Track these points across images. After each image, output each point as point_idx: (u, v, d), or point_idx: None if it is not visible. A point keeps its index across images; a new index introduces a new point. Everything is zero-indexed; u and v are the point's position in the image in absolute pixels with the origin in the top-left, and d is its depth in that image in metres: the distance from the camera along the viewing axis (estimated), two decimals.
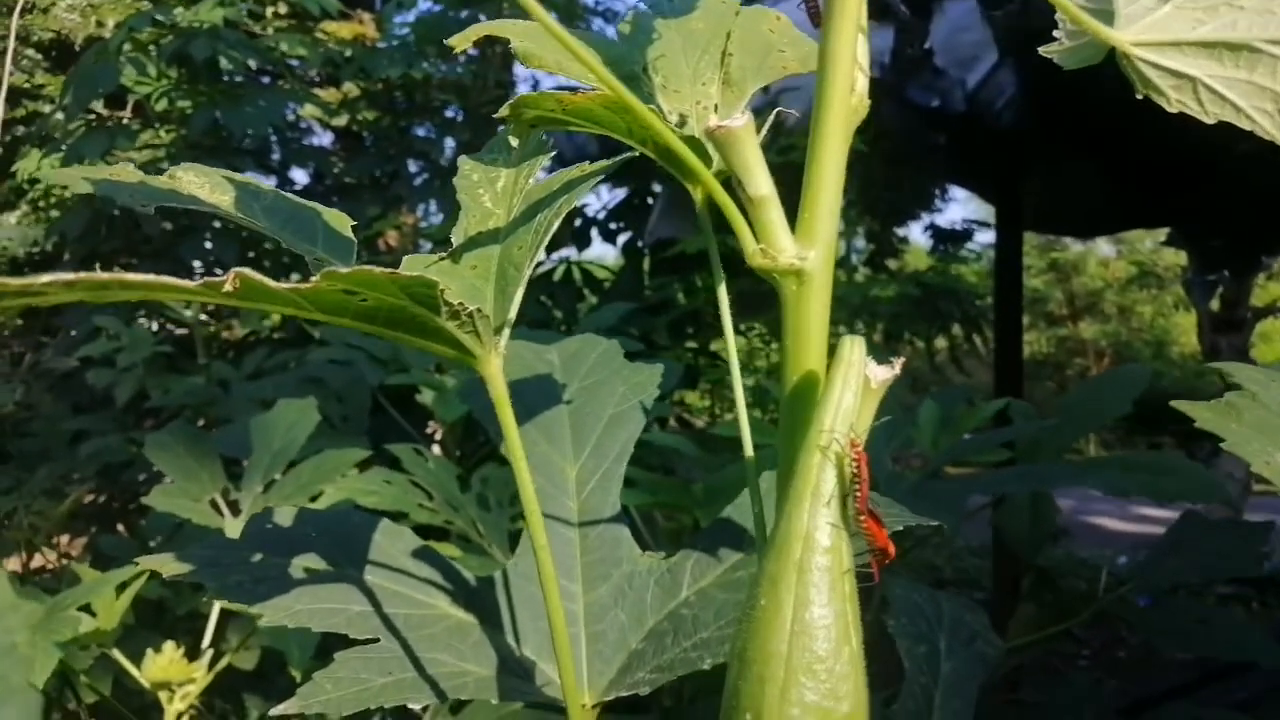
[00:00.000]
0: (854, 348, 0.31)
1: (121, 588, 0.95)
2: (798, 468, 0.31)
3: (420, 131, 3.60)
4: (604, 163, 0.41)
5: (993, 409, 1.20)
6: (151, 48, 2.91)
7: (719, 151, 0.33)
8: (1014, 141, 2.44)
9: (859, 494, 0.30)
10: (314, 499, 1.01)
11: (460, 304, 0.32)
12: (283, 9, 4.09)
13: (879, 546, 0.31)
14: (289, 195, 0.40)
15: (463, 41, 0.41)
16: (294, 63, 3.76)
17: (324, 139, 4.20)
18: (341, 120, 3.87)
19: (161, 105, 3.07)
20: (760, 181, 0.32)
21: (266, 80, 3.64)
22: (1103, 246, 12.27)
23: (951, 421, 1.20)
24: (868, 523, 0.31)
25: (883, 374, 0.31)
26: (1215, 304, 4.96)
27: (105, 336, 2.45)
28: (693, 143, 0.38)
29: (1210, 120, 0.34)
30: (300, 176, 3.81)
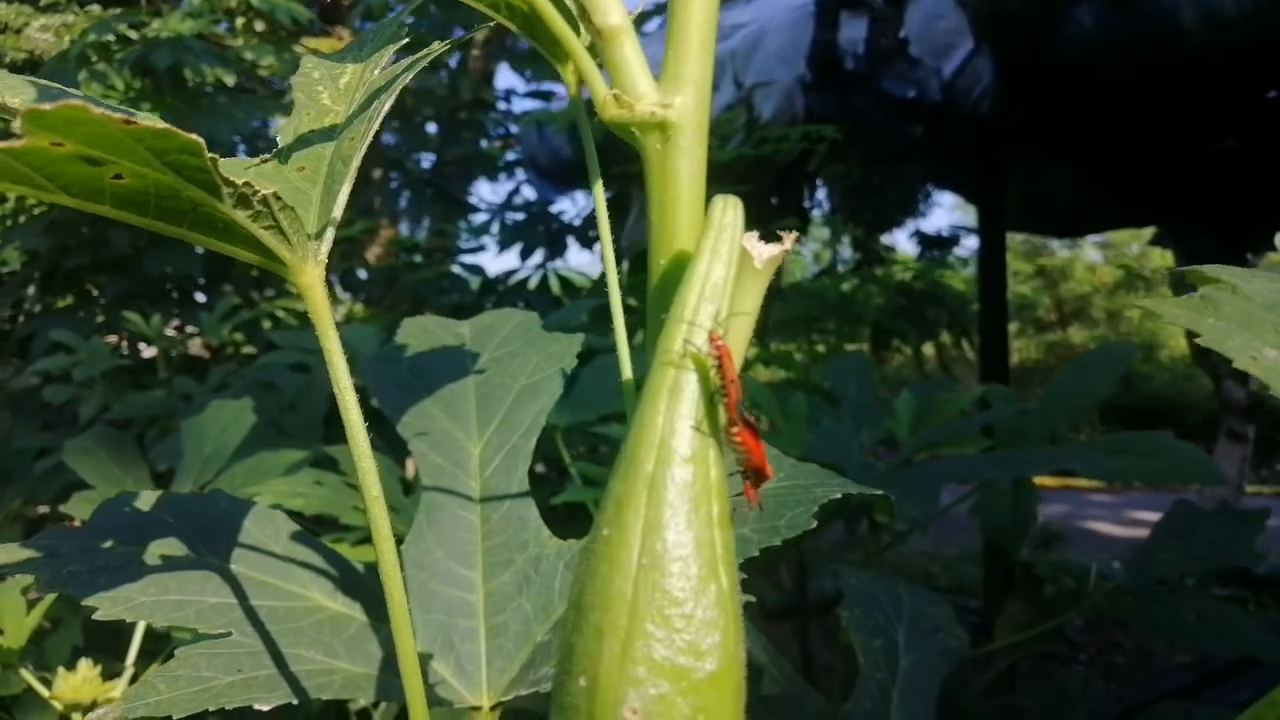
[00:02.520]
0: (727, 210, 0.24)
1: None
2: (653, 363, 0.24)
3: (388, 139, 3.55)
4: (449, 42, 0.35)
5: (971, 396, 1.14)
6: (115, 58, 2.86)
7: None
8: (992, 131, 2.40)
9: (727, 397, 0.23)
10: None
11: (246, 184, 0.25)
12: (259, 25, 4.06)
13: (753, 465, 0.24)
14: (96, 98, 0.33)
15: None
16: (276, 80, 3.72)
17: None
18: None
19: None
20: (610, 8, 0.25)
21: (242, 94, 3.58)
22: (1089, 251, 12.28)
23: (929, 411, 1.13)
24: (740, 433, 0.24)
25: (768, 251, 0.24)
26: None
27: (64, 353, 2.38)
28: (559, 6, 0.32)
29: None
30: None
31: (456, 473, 0.48)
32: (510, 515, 0.46)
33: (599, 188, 0.34)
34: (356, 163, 0.31)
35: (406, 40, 0.35)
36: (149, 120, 0.22)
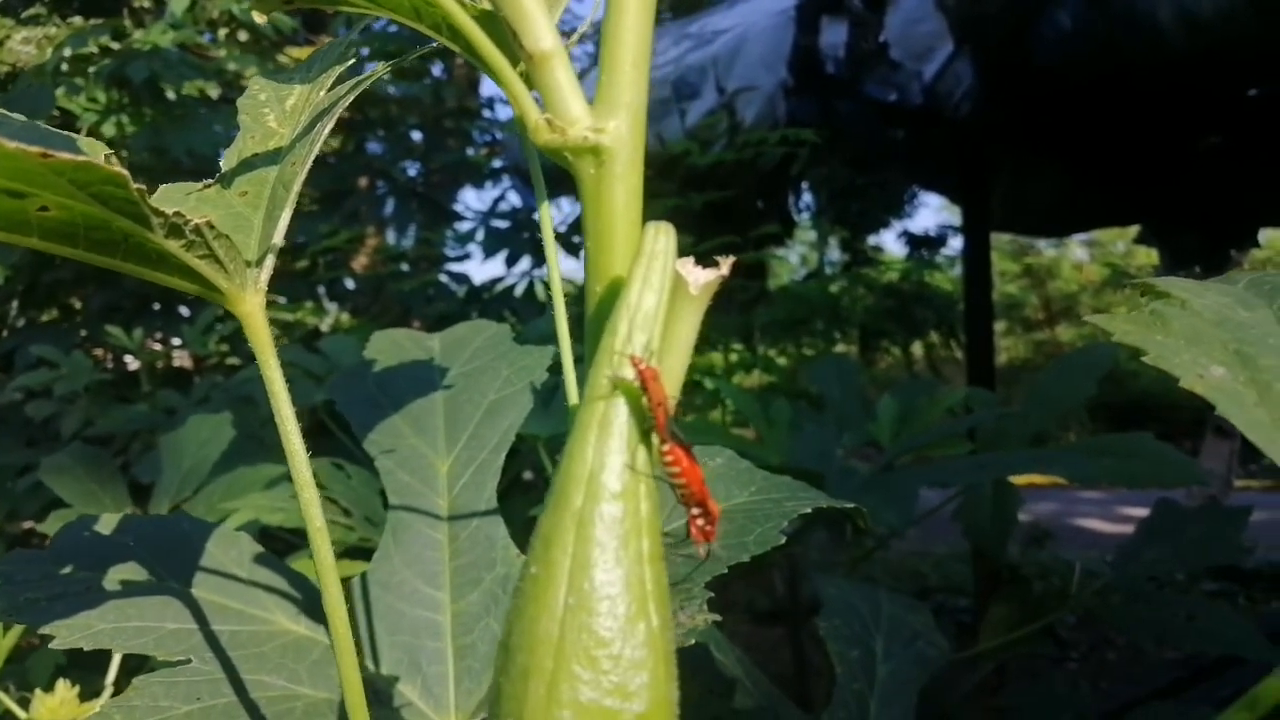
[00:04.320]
0: (658, 236, 0.23)
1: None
2: (584, 396, 0.23)
3: (374, 147, 3.54)
4: (390, 63, 0.35)
5: (953, 399, 1.14)
6: (91, 70, 2.84)
7: None
8: (975, 133, 2.40)
9: (657, 421, 0.23)
10: (222, 519, 0.93)
11: (177, 214, 0.25)
12: (242, 35, 4.04)
13: (694, 495, 0.24)
14: (41, 125, 0.33)
15: None
16: None
17: None
18: None
19: (110, 130, 2.99)
20: (541, 33, 0.25)
21: (226, 105, 3.57)
22: (1076, 250, 12.34)
23: (911, 415, 1.13)
24: (672, 451, 0.23)
25: (704, 276, 0.23)
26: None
27: (46, 367, 2.36)
28: (489, 20, 0.31)
29: None
30: None
31: (424, 490, 0.47)
32: (478, 534, 0.45)
33: (545, 209, 0.34)
34: (297, 187, 0.30)
35: (353, 61, 0.34)
36: (69, 153, 0.21)
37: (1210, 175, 3.23)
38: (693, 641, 0.36)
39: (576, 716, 0.21)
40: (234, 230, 0.28)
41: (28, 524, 2.31)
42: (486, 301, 2.90)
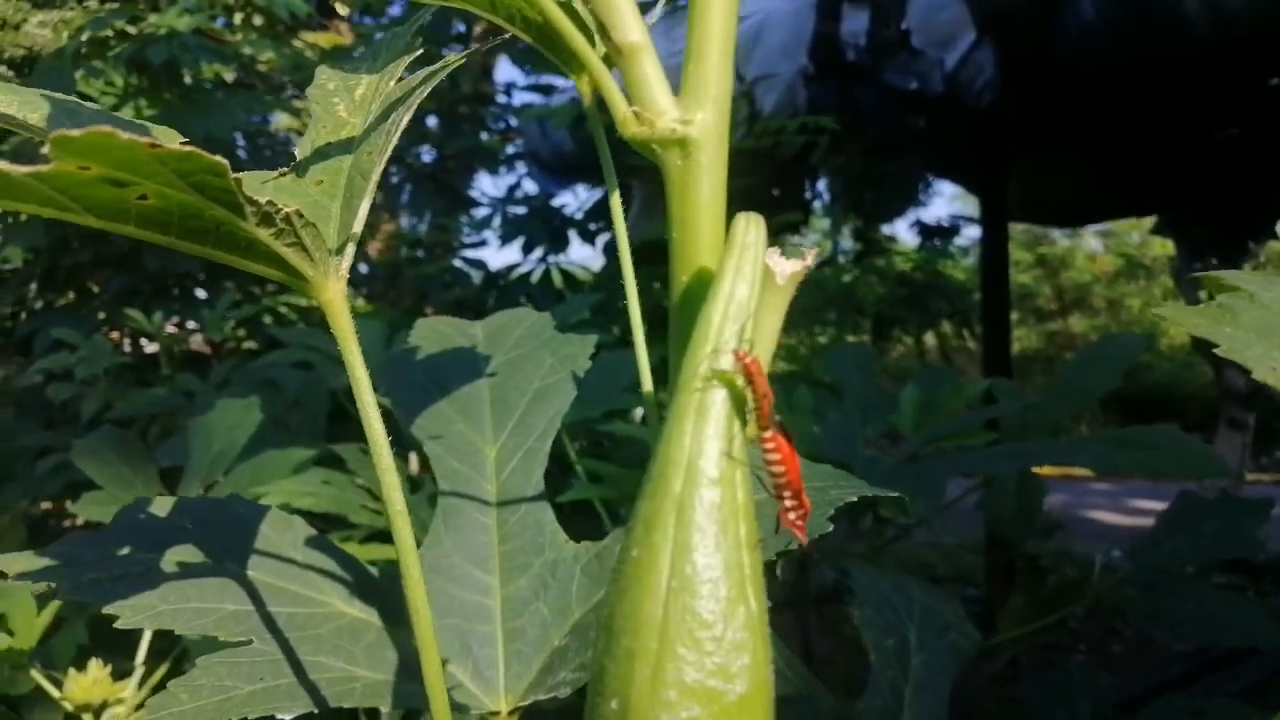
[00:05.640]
0: (750, 228, 0.24)
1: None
2: (679, 383, 0.24)
3: None
4: (466, 51, 0.35)
5: (976, 388, 1.14)
6: (110, 55, 2.85)
7: None
8: (994, 123, 2.39)
9: (761, 411, 0.23)
10: None
11: (269, 203, 0.26)
12: (257, 20, 4.04)
13: (789, 484, 0.24)
14: (112, 114, 0.34)
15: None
16: (276, 75, 3.71)
17: None
18: None
19: (128, 114, 3.00)
20: (629, 25, 0.25)
21: (241, 90, 3.57)
22: (1090, 240, 12.26)
23: (933, 404, 1.14)
24: (773, 438, 0.24)
25: (790, 267, 0.24)
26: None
27: (66, 350, 2.38)
28: (571, 13, 0.31)
29: None
30: None
31: (473, 476, 0.48)
32: (527, 519, 0.46)
33: (616, 200, 0.34)
34: (376, 177, 0.31)
35: (420, 52, 0.35)
36: (171, 141, 0.22)
37: (1228, 167, 3.21)
38: None
39: (682, 696, 0.21)
40: (314, 218, 0.29)
41: (46, 505, 2.33)
42: (503, 288, 2.91)
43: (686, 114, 0.25)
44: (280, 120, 4.07)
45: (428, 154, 4.06)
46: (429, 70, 0.34)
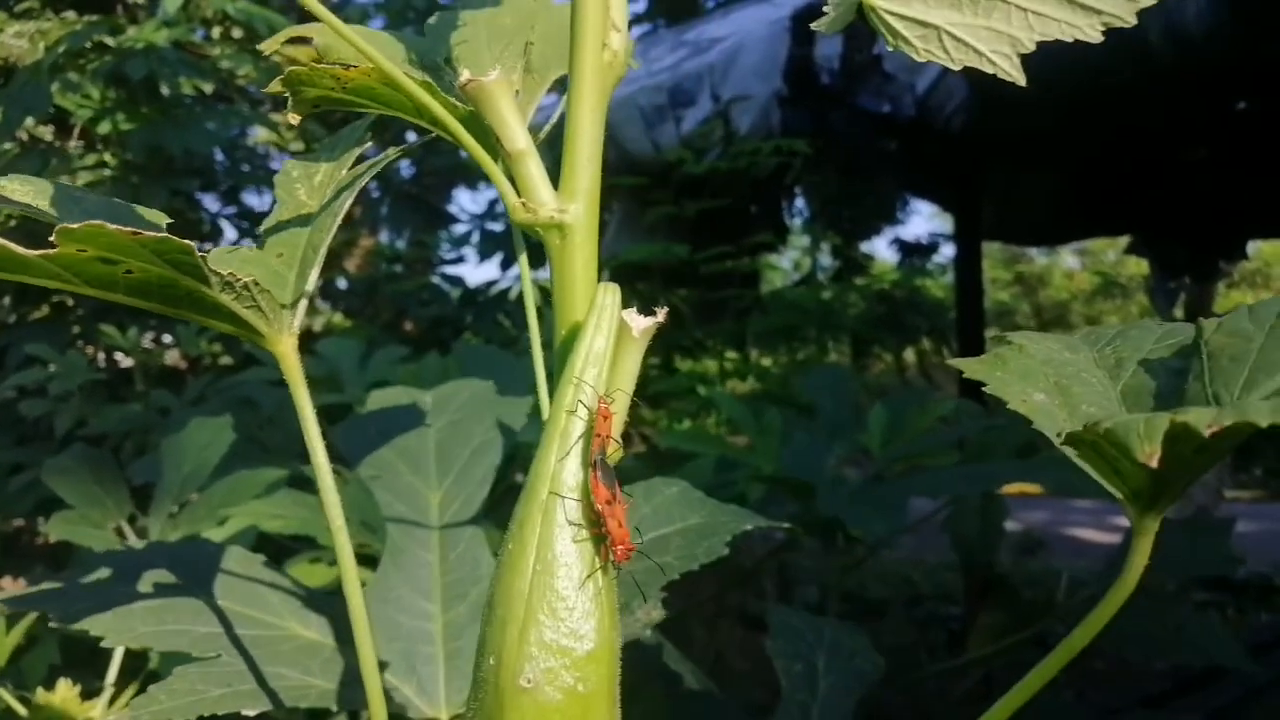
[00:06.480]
0: (607, 294, 0.31)
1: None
2: (550, 413, 0.31)
3: (370, 149, 3.54)
4: (403, 147, 0.41)
5: (942, 408, 1.16)
6: (88, 68, 2.84)
7: (474, 105, 0.33)
8: (966, 145, 2.43)
9: (591, 449, 0.30)
10: (221, 524, 0.95)
11: (231, 274, 0.32)
12: (236, 33, 4.05)
13: (601, 515, 0.29)
14: (108, 198, 0.39)
15: (273, 44, 0.43)
16: (254, 89, 3.71)
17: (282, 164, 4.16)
18: (300, 145, 3.82)
19: (105, 128, 3.00)
20: (516, 136, 0.33)
21: (220, 104, 3.57)
22: (1067, 258, 12.42)
23: (901, 424, 1.15)
24: (592, 480, 0.30)
25: (643, 323, 0.31)
26: (1179, 311, 4.99)
27: (39, 365, 2.36)
28: (474, 120, 0.37)
29: (956, 66, 0.36)
30: (256, 201, 3.74)
31: (418, 519, 0.54)
32: (465, 555, 0.52)
33: (524, 259, 0.39)
34: (324, 250, 0.37)
35: (369, 144, 0.42)
36: (150, 228, 0.27)
37: (1199, 188, 3.27)
38: (649, 632, 0.46)
39: (542, 652, 0.28)
40: (272, 285, 0.35)
41: (18, 522, 2.31)
42: (481, 304, 2.92)
43: (563, 205, 0.32)
44: (259, 134, 4.07)
45: (407, 170, 4.08)
46: (371, 161, 0.41)
